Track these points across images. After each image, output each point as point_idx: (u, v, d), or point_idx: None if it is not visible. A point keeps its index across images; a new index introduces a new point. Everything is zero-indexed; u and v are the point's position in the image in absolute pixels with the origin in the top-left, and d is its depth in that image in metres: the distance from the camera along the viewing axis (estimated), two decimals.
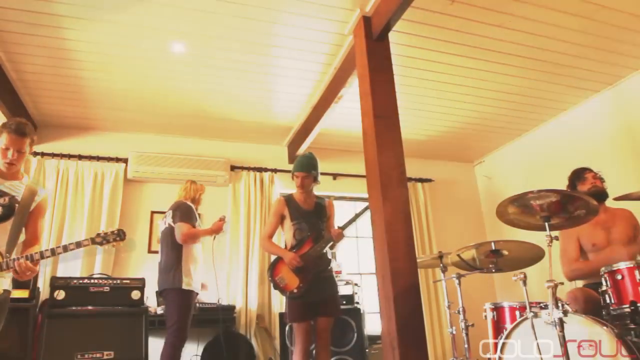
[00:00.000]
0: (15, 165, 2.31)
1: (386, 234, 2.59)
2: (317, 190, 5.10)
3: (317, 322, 3.07)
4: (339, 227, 3.18)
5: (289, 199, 3.32)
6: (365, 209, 3.20)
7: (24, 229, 2.33)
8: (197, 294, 3.34)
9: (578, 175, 3.11)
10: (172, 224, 3.31)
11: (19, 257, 2.12)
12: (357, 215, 3.22)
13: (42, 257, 2.15)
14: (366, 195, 2.90)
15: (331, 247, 3.29)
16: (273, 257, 3.39)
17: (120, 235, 2.34)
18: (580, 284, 2.98)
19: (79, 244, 2.24)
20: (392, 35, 3.09)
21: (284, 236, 3.34)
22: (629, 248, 2.87)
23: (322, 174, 5.12)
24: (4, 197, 2.26)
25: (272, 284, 3.23)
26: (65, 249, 2.21)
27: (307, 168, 3.25)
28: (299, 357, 3.02)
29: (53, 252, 2.18)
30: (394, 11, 2.78)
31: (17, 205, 2.28)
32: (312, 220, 3.23)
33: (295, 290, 3.05)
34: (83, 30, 3.22)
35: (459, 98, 4.35)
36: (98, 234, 2.31)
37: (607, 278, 2.33)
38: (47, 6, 2.97)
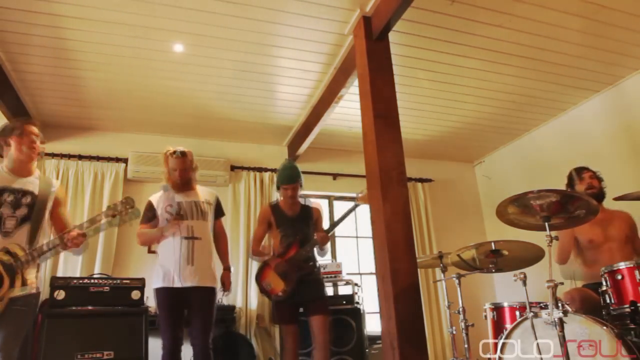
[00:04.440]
0: (37, 150, 2.45)
1: (386, 234, 2.59)
2: (318, 190, 5.17)
3: (310, 323, 3.10)
4: (323, 231, 3.23)
5: (274, 207, 3.40)
6: (350, 210, 3.26)
7: (47, 223, 2.45)
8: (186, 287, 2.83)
9: (576, 174, 3.13)
10: None
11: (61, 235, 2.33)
12: (341, 218, 3.28)
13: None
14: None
15: (320, 250, 3.32)
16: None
17: (129, 202, 2.48)
18: (580, 283, 2.99)
19: (92, 221, 2.41)
20: (392, 35, 3.08)
21: (272, 243, 3.39)
22: (624, 248, 2.89)
23: (322, 174, 5.21)
24: (26, 196, 2.34)
25: (259, 289, 3.29)
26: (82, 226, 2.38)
27: (296, 179, 3.31)
28: (288, 359, 3.09)
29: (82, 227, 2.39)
30: (394, 11, 2.78)
31: (36, 201, 2.38)
32: (297, 226, 3.29)
33: (280, 293, 3.10)
34: (83, 30, 3.22)
35: (459, 98, 4.35)
36: (109, 207, 2.45)
37: (607, 278, 2.34)
38: (47, 6, 2.97)
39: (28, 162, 2.43)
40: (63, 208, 2.55)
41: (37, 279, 2.36)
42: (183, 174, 3.02)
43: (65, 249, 2.37)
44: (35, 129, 2.47)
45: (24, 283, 2.25)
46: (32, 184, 2.42)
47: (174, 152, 3.02)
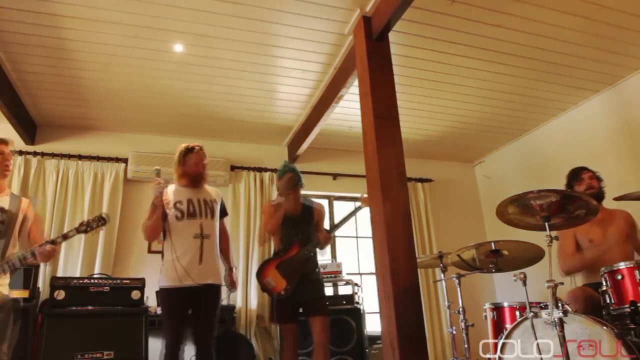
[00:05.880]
0: (9, 169, 2.54)
1: (386, 234, 2.59)
2: (317, 190, 5.17)
3: (310, 324, 3.10)
4: (326, 231, 3.23)
5: (276, 206, 3.38)
6: (354, 212, 3.27)
7: (16, 237, 2.51)
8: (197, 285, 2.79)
9: (575, 175, 3.13)
10: None
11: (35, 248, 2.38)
12: (344, 220, 3.28)
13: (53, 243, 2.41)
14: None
15: (321, 249, 3.32)
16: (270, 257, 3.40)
17: (101, 220, 2.49)
18: (579, 282, 2.99)
19: (65, 236, 2.44)
20: (392, 35, 3.08)
21: (274, 241, 3.40)
22: (624, 247, 2.89)
23: (322, 174, 5.21)
24: (1, 213, 2.45)
25: (260, 287, 3.28)
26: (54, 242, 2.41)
27: (298, 184, 3.33)
28: (288, 358, 3.09)
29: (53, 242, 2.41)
30: (394, 11, 2.78)
31: (7, 217, 2.47)
32: (297, 225, 3.29)
33: (282, 292, 3.11)
34: (83, 30, 3.22)
35: (459, 98, 4.35)
36: (81, 223, 2.47)
37: (607, 278, 2.34)
38: (47, 6, 2.97)
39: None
40: (37, 224, 2.66)
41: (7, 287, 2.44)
42: (204, 168, 3.06)
43: (34, 262, 2.46)
44: (5, 150, 2.54)
45: None
46: (3, 201, 2.50)
47: (194, 147, 3.07)
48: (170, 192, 2.99)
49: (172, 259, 2.81)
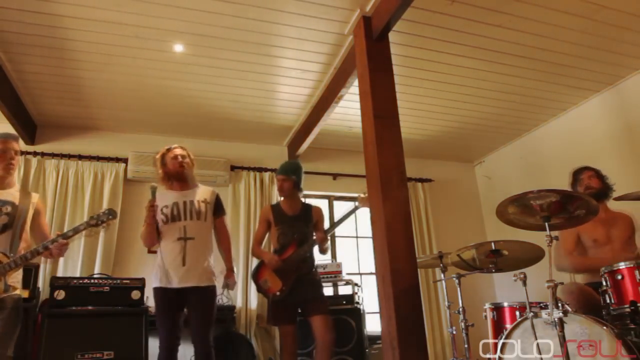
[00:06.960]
0: (15, 165, 2.55)
1: (386, 234, 2.59)
2: (318, 190, 5.17)
3: (312, 323, 3.10)
4: (323, 232, 3.23)
5: (275, 206, 3.43)
6: (350, 212, 3.27)
7: (27, 231, 2.53)
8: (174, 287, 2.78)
9: (576, 175, 3.14)
10: None
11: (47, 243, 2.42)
12: (342, 219, 3.28)
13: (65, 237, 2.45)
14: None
15: (321, 250, 3.33)
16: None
17: (112, 213, 2.56)
18: (578, 278, 3.00)
19: (76, 230, 2.48)
20: (392, 35, 3.09)
21: (272, 241, 3.40)
22: (625, 248, 2.89)
23: (322, 174, 5.21)
24: (6, 205, 2.47)
25: (256, 287, 3.31)
26: (65, 236, 2.45)
27: (285, 171, 3.34)
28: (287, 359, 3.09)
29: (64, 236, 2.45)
30: (394, 11, 2.78)
31: (17, 210, 2.49)
32: (295, 225, 3.29)
33: (278, 293, 3.11)
34: (83, 30, 3.22)
35: (459, 98, 4.35)
36: (92, 217, 2.52)
37: (607, 278, 2.34)
38: (47, 6, 2.97)
39: (7, 176, 2.55)
40: (43, 218, 2.69)
41: (19, 284, 2.46)
42: (184, 163, 2.99)
43: (48, 256, 2.48)
44: (13, 145, 2.56)
45: (6, 288, 2.34)
46: (12, 195, 2.53)
47: (171, 146, 3.06)
48: (159, 197, 2.96)
49: (161, 261, 2.86)
